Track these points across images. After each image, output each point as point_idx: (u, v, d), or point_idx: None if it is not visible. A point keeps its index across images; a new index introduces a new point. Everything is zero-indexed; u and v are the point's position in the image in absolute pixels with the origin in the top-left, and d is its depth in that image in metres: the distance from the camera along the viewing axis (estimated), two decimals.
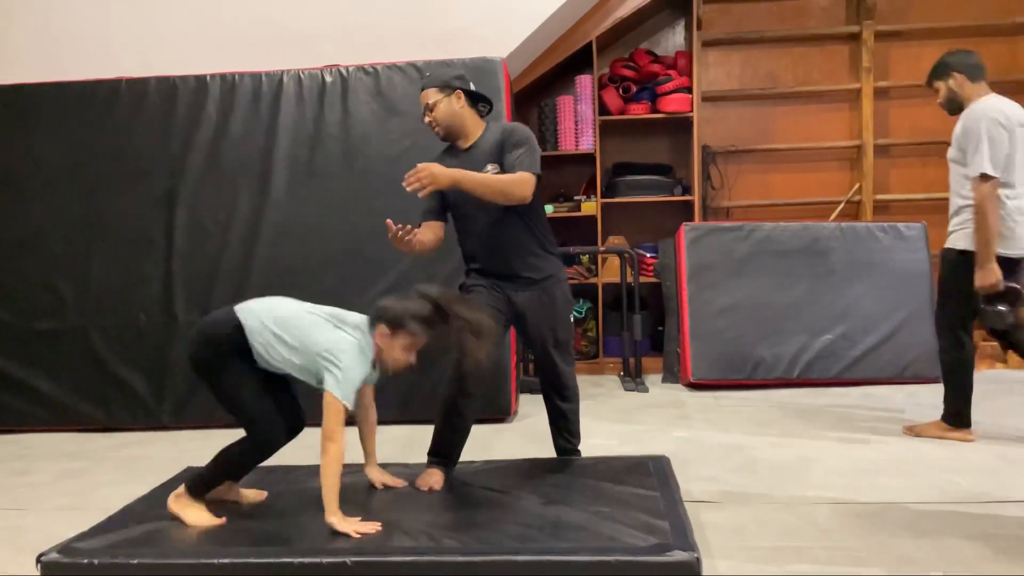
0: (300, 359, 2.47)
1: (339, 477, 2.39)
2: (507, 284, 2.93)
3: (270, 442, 2.55)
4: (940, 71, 3.70)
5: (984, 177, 3.37)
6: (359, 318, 2.54)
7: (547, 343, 2.96)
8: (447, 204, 2.97)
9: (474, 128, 2.94)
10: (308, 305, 2.59)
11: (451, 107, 2.89)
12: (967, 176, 3.48)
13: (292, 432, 2.65)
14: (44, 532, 2.74)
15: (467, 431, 2.93)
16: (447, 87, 2.89)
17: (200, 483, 2.55)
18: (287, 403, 2.63)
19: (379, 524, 2.35)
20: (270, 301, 2.62)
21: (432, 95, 2.89)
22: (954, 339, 3.57)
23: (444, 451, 2.90)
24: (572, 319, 3.03)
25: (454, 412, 2.87)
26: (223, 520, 2.49)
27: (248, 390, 2.53)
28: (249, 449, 2.55)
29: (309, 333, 2.47)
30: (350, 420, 2.55)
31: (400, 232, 2.71)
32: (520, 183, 2.73)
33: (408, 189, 2.65)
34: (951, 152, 3.62)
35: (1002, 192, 3.42)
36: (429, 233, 2.94)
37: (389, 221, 2.72)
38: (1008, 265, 3.40)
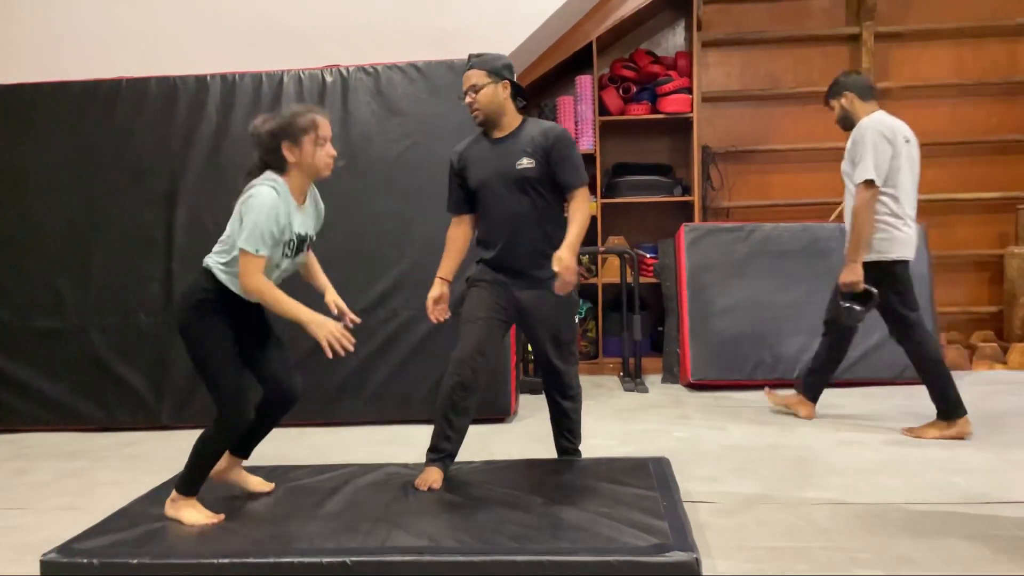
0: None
1: (284, 295, 2.44)
2: (514, 280, 2.94)
3: (239, 414, 2.51)
4: (834, 90, 3.92)
5: (867, 184, 3.60)
6: (267, 174, 2.54)
7: (550, 342, 2.97)
8: (474, 194, 2.98)
9: (512, 119, 2.95)
10: None
11: (496, 94, 2.90)
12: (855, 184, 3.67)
13: (283, 404, 2.66)
14: (44, 532, 2.74)
15: (466, 428, 2.93)
16: (496, 74, 2.90)
17: (187, 480, 2.55)
18: (276, 372, 2.63)
19: (352, 341, 2.47)
20: None
21: (479, 77, 2.89)
22: (911, 340, 3.71)
23: (443, 448, 2.90)
24: (576, 320, 3.03)
25: (453, 408, 2.87)
26: (221, 517, 2.50)
27: (220, 359, 2.50)
28: (221, 426, 2.52)
29: (236, 215, 2.49)
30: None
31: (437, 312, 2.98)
32: (587, 201, 2.90)
33: (558, 291, 2.77)
34: (844, 165, 3.81)
35: (885, 200, 3.64)
36: (461, 230, 3.04)
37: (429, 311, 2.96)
38: (888, 268, 3.63)
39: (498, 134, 2.94)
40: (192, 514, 2.51)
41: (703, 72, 5.91)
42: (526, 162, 2.85)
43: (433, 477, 2.81)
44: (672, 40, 6.13)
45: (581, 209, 2.86)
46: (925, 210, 5.85)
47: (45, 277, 4.44)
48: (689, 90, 5.71)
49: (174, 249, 4.41)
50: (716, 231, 5.17)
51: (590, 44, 5.65)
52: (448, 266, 3.06)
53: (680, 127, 5.87)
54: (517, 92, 2.98)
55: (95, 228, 4.44)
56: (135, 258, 4.42)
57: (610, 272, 5.81)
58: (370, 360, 4.30)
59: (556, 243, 2.90)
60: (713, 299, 5.03)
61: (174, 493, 2.56)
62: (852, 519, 2.65)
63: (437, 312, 3.01)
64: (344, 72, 4.38)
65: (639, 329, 5.29)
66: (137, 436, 4.25)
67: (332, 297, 2.78)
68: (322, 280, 2.85)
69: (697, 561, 2.04)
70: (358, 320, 2.75)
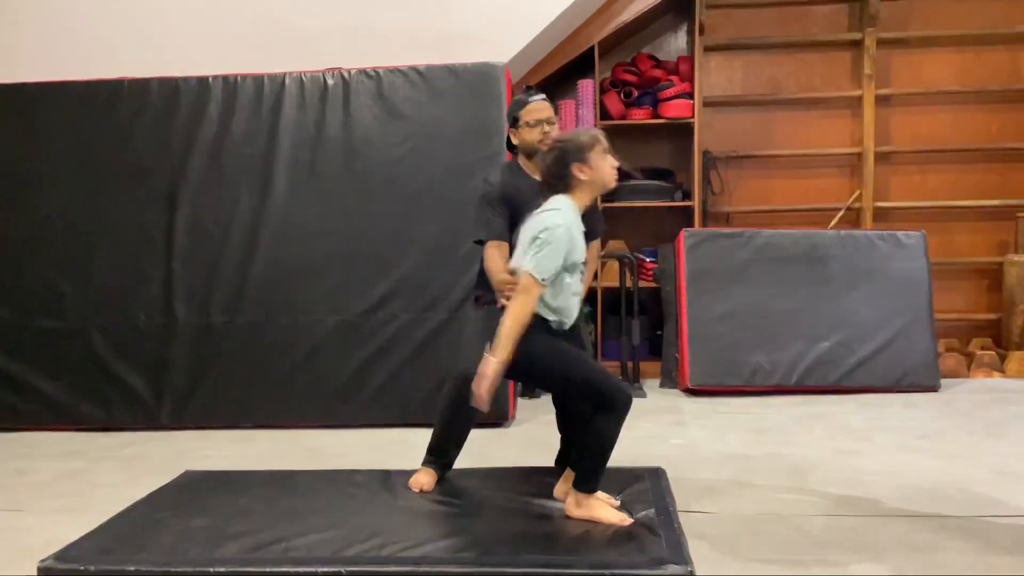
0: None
1: (520, 326, 2.39)
2: None
3: (624, 397, 2.47)
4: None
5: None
6: (556, 201, 2.55)
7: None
8: (514, 221, 2.86)
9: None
10: None
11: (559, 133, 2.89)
12: None
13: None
14: (43, 534, 2.75)
15: (467, 432, 2.93)
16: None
17: (590, 477, 2.51)
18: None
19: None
20: None
21: (551, 111, 2.92)
22: None
23: (442, 451, 2.90)
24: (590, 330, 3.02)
25: (454, 419, 2.87)
26: (630, 520, 2.45)
27: (569, 361, 2.50)
28: (611, 417, 2.46)
29: (523, 241, 2.50)
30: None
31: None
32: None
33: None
34: None
35: None
36: (503, 253, 2.87)
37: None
38: None
39: (534, 172, 2.92)
40: (607, 511, 2.49)
41: (705, 77, 5.92)
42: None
43: (424, 479, 2.83)
44: (674, 44, 6.13)
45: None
46: (925, 217, 5.88)
47: (45, 277, 4.45)
48: (691, 95, 5.71)
49: (174, 250, 4.42)
50: (716, 236, 5.18)
51: (592, 48, 5.65)
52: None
53: (681, 132, 5.87)
54: None
55: (96, 228, 4.45)
56: (136, 258, 4.43)
57: (609, 276, 5.81)
58: (369, 363, 4.31)
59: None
60: (712, 304, 5.04)
61: (579, 496, 2.52)
62: (848, 531, 2.66)
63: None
64: (346, 75, 4.39)
65: (638, 334, 5.30)
66: (136, 436, 4.26)
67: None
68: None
69: (692, 574, 2.05)
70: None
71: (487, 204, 2.91)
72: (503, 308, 2.65)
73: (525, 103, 2.93)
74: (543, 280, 2.42)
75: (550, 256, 2.42)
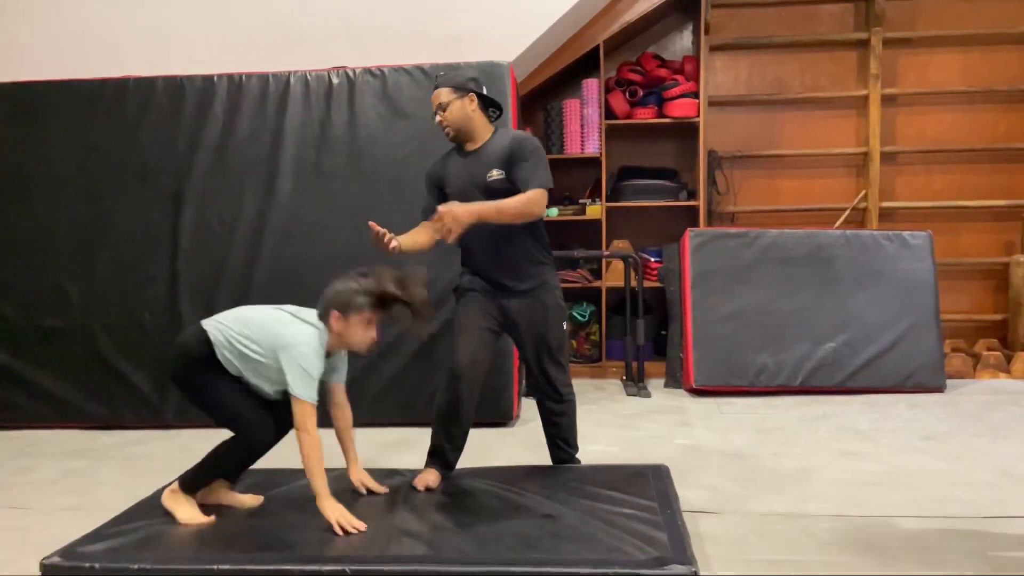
0: (265, 358, 2.52)
1: (322, 465, 2.47)
2: (500, 290, 2.95)
3: (259, 442, 2.61)
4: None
5: None
6: (313, 312, 2.59)
7: (539, 350, 2.99)
8: (445, 198, 2.95)
9: (483, 131, 2.95)
10: (270, 307, 2.67)
11: (464, 109, 2.90)
12: None
13: (281, 433, 2.68)
14: (47, 532, 2.75)
15: (465, 436, 2.95)
16: (461, 88, 2.90)
17: (192, 480, 2.62)
18: (277, 405, 2.65)
19: (363, 525, 2.42)
20: (235, 310, 2.70)
21: (445, 95, 2.89)
22: None
23: (442, 456, 2.92)
24: (564, 326, 3.04)
25: (449, 420, 2.90)
26: (212, 519, 2.55)
27: (230, 395, 2.58)
28: (240, 450, 2.61)
29: (271, 327, 2.55)
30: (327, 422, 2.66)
31: (384, 237, 2.73)
32: (536, 201, 2.78)
33: (438, 237, 2.74)
34: None
35: None
36: (425, 234, 2.96)
37: (372, 224, 2.75)
38: None
39: (470, 147, 2.95)
40: (187, 512, 2.57)
41: (710, 76, 5.90)
42: (495, 173, 2.85)
43: (430, 478, 2.85)
44: (679, 44, 6.12)
45: (518, 199, 2.75)
46: (931, 217, 5.86)
47: (51, 276, 4.45)
48: (696, 94, 5.70)
49: (179, 249, 4.42)
50: (721, 236, 5.17)
51: (597, 47, 5.65)
52: (408, 239, 2.90)
53: (686, 131, 5.86)
54: (488, 103, 2.98)
55: (101, 227, 4.45)
56: (141, 257, 4.43)
57: (614, 276, 5.81)
58: (373, 363, 4.31)
59: (537, 255, 2.94)
60: (717, 305, 5.02)
61: (176, 484, 2.63)
62: (852, 532, 2.65)
63: (379, 237, 2.78)
64: (351, 74, 4.39)
65: (642, 333, 5.29)
66: (141, 435, 4.26)
67: (358, 476, 2.84)
68: (348, 445, 2.88)
69: (695, 575, 2.04)
70: (386, 490, 2.80)
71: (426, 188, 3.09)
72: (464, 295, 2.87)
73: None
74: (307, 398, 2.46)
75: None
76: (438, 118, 2.92)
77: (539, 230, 2.96)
